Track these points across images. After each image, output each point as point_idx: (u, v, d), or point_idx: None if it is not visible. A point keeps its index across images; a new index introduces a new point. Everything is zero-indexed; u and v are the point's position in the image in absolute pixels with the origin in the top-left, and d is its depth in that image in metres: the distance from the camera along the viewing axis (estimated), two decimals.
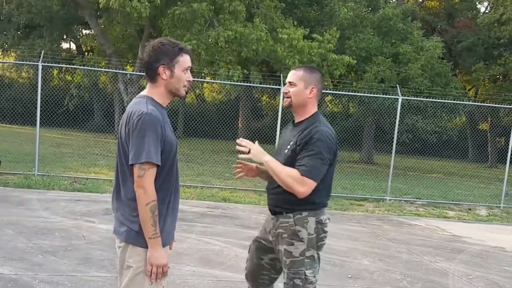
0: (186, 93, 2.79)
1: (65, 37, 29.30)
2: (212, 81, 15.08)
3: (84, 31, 30.27)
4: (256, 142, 3.20)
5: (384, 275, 5.88)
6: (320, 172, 3.00)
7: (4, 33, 23.95)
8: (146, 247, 2.57)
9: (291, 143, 3.11)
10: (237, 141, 3.16)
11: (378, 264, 6.30)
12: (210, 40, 13.46)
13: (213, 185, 11.91)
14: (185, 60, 2.69)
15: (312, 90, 3.15)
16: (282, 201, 3.14)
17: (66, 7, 21.98)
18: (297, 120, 3.24)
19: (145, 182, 2.48)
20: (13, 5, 20.75)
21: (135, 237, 2.59)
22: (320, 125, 3.08)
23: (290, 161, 3.06)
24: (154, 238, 2.53)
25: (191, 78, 2.75)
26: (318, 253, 3.13)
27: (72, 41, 31.15)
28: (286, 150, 3.12)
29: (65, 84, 27.29)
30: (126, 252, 2.64)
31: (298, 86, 3.14)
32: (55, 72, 27.69)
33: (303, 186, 2.95)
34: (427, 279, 5.89)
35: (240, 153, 3.15)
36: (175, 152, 2.69)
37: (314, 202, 3.09)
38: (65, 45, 33.11)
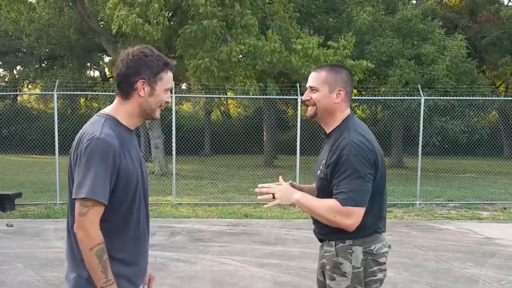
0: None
1: (88, 65, 29.84)
2: (226, 96, 14.94)
3: (106, 58, 30.76)
4: (280, 178, 2.70)
5: (409, 287, 5.52)
6: (364, 194, 2.44)
7: (28, 66, 24.48)
8: None
9: (323, 162, 2.56)
10: (256, 189, 2.68)
11: (403, 275, 5.93)
12: (222, 56, 13.31)
13: (236, 202, 11.70)
14: (169, 78, 2.26)
15: (339, 94, 2.58)
16: (322, 226, 2.59)
17: (85, 36, 22.33)
18: (328, 130, 2.66)
19: (87, 222, 2.05)
20: (32, 38, 21.16)
21: (85, 285, 2.15)
22: (350, 135, 2.50)
23: (324, 186, 2.56)
24: (107, 285, 2.08)
25: (170, 100, 2.31)
26: None
27: (95, 68, 31.64)
28: (319, 172, 2.60)
29: (92, 111, 27.68)
30: None
31: (322, 91, 2.57)
32: (82, 100, 28.18)
33: (349, 217, 2.42)
34: None
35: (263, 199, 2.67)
36: (137, 186, 2.22)
37: (360, 227, 2.48)
38: (91, 73, 33.79)
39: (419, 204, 11.49)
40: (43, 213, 9.72)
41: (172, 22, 16.63)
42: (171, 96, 11.65)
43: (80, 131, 2.21)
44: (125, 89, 2.22)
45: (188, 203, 11.40)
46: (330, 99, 2.58)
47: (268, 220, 9.66)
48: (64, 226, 7.89)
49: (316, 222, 2.66)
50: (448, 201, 12.36)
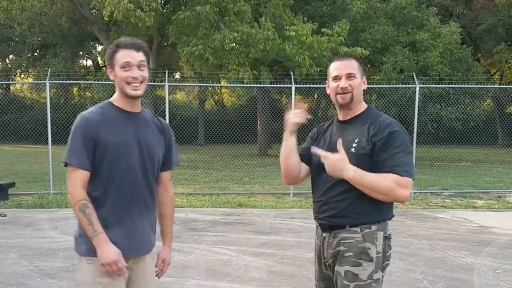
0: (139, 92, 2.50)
1: (81, 54, 29.57)
2: (219, 85, 14.85)
3: (99, 47, 30.50)
4: (339, 142, 2.53)
5: (404, 276, 5.50)
6: (413, 168, 2.54)
7: (21, 55, 24.22)
8: (83, 254, 2.46)
9: (356, 140, 2.57)
10: (312, 150, 2.65)
11: (398, 264, 5.90)
12: (216, 43, 13.18)
13: (230, 191, 11.66)
14: (121, 55, 2.45)
15: (364, 82, 2.73)
16: (346, 211, 2.57)
17: (77, 24, 22.09)
18: (347, 117, 2.70)
19: (69, 183, 2.42)
20: (24, 26, 20.90)
21: (75, 245, 2.52)
22: (387, 117, 2.65)
23: (360, 160, 2.52)
24: (95, 236, 2.36)
25: (134, 74, 2.44)
26: (383, 276, 2.61)
27: (88, 57, 31.38)
28: (353, 149, 2.55)
29: (85, 101, 27.50)
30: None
31: (358, 77, 2.65)
32: (75, 90, 27.97)
33: (406, 189, 2.45)
34: (450, 276, 5.48)
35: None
36: (120, 157, 2.45)
37: (385, 212, 2.60)
38: (84, 62, 33.52)
39: (414, 193, 11.47)
40: (36, 203, 9.64)
41: (165, 10, 16.46)
42: (165, 85, 11.66)
43: None
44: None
45: (182, 193, 11.34)
46: (362, 86, 2.70)
47: (262, 209, 9.62)
48: (57, 216, 7.80)
49: (331, 208, 2.62)
50: (443, 189, 12.36)
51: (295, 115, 2.70)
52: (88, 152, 2.39)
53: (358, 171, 2.47)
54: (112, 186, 2.45)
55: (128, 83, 2.45)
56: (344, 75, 2.64)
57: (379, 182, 2.45)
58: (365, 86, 2.73)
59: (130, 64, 2.44)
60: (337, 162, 2.48)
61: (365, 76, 2.74)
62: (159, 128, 2.63)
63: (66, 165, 2.43)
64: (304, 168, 2.82)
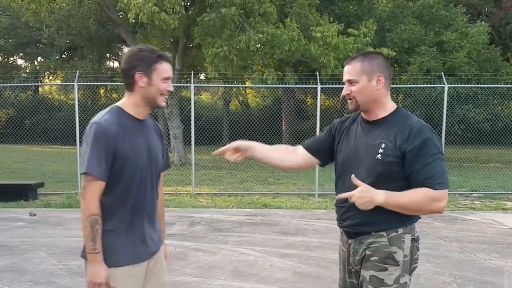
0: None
1: (108, 56, 29.95)
2: (244, 85, 14.85)
3: (126, 49, 30.84)
4: (354, 177, 2.43)
5: (432, 278, 5.41)
6: (447, 175, 2.42)
7: (49, 57, 24.64)
8: (120, 265, 2.47)
9: (383, 146, 2.46)
10: (339, 196, 2.55)
11: (426, 266, 5.82)
12: (241, 45, 13.20)
13: (255, 192, 11.65)
14: (164, 68, 2.49)
15: (379, 80, 2.53)
16: (370, 218, 2.48)
17: (104, 27, 22.37)
18: (373, 118, 2.59)
19: (86, 193, 2.36)
20: (52, 29, 21.26)
21: (82, 249, 2.48)
22: (418, 120, 2.51)
23: (387, 168, 2.44)
24: (92, 253, 2.37)
25: (171, 88, 2.55)
26: (410, 279, 2.55)
27: (115, 59, 31.77)
28: (380, 156, 2.46)
29: (112, 102, 27.82)
30: None
31: (361, 81, 2.53)
32: (102, 91, 28.33)
33: (442, 201, 2.38)
34: (480, 279, 5.37)
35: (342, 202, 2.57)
36: (137, 169, 2.47)
37: (412, 216, 2.51)
38: (110, 64, 33.94)
39: None
40: (65, 203, 9.80)
41: (190, 12, 16.55)
42: (191, 86, 11.73)
43: None
44: (128, 82, 2.49)
45: (207, 193, 11.40)
46: (371, 88, 2.54)
47: (287, 210, 9.59)
48: None
49: (353, 215, 2.55)
50: (472, 191, 12.15)
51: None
52: (107, 163, 2.38)
53: (389, 195, 2.39)
54: (127, 197, 2.47)
55: (161, 95, 2.51)
56: (346, 81, 2.59)
57: (413, 202, 2.38)
58: (380, 85, 2.54)
59: (169, 79, 2.52)
60: (362, 198, 2.39)
61: (381, 75, 2.54)
62: (157, 132, 2.69)
63: (84, 173, 2.38)
64: (304, 158, 2.83)
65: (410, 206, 2.39)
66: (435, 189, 2.35)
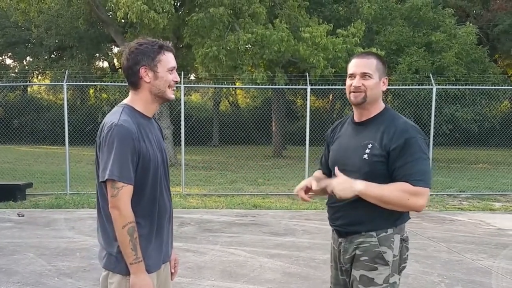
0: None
1: (97, 55, 29.80)
2: (234, 86, 14.85)
3: (115, 48, 30.71)
4: (336, 169, 2.55)
5: (420, 278, 5.46)
6: (430, 175, 2.46)
7: (38, 57, 24.47)
8: (126, 274, 2.28)
9: (370, 146, 2.51)
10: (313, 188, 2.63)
11: (414, 266, 5.86)
12: (230, 45, 13.21)
13: (245, 192, 11.67)
14: (168, 58, 2.36)
15: (384, 82, 2.62)
16: (360, 218, 2.53)
17: (94, 27, 22.27)
18: (363, 118, 2.63)
19: (120, 202, 2.20)
20: (42, 28, 21.13)
21: (114, 262, 2.30)
22: (405, 120, 2.55)
23: (373, 168, 2.48)
24: (135, 263, 2.23)
25: (178, 78, 2.43)
26: (399, 279, 2.58)
27: (104, 59, 31.62)
28: (366, 156, 2.50)
29: (101, 102, 27.73)
30: (106, 280, 2.34)
31: (374, 78, 2.55)
32: (91, 91, 28.21)
33: (421, 198, 2.39)
34: (468, 279, 5.43)
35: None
36: (157, 169, 2.36)
37: (402, 216, 2.55)
38: (100, 64, 33.77)
39: (430, 195, 11.31)
40: (53, 203, 9.74)
41: (180, 12, 16.54)
42: (181, 87, 11.71)
43: (102, 121, 2.37)
44: (133, 80, 2.37)
45: (197, 194, 11.39)
46: (379, 87, 2.59)
47: (277, 210, 9.61)
48: (74, 216, 7.89)
49: (343, 215, 2.61)
50: (460, 192, 12.25)
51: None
52: (133, 166, 2.25)
53: (368, 185, 2.42)
54: (154, 198, 2.37)
55: (169, 87, 2.39)
56: (359, 73, 2.56)
57: (391, 194, 2.40)
58: (384, 87, 2.62)
59: (174, 68, 2.40)
60: (341, 183, 2.46)
61: (386, 77, 2.64)
62: (159, 129, 2.60)
63: (110, 181, 2.21)
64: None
65: (388, 199, 2.40)
66: (414, 185, 2.39)
